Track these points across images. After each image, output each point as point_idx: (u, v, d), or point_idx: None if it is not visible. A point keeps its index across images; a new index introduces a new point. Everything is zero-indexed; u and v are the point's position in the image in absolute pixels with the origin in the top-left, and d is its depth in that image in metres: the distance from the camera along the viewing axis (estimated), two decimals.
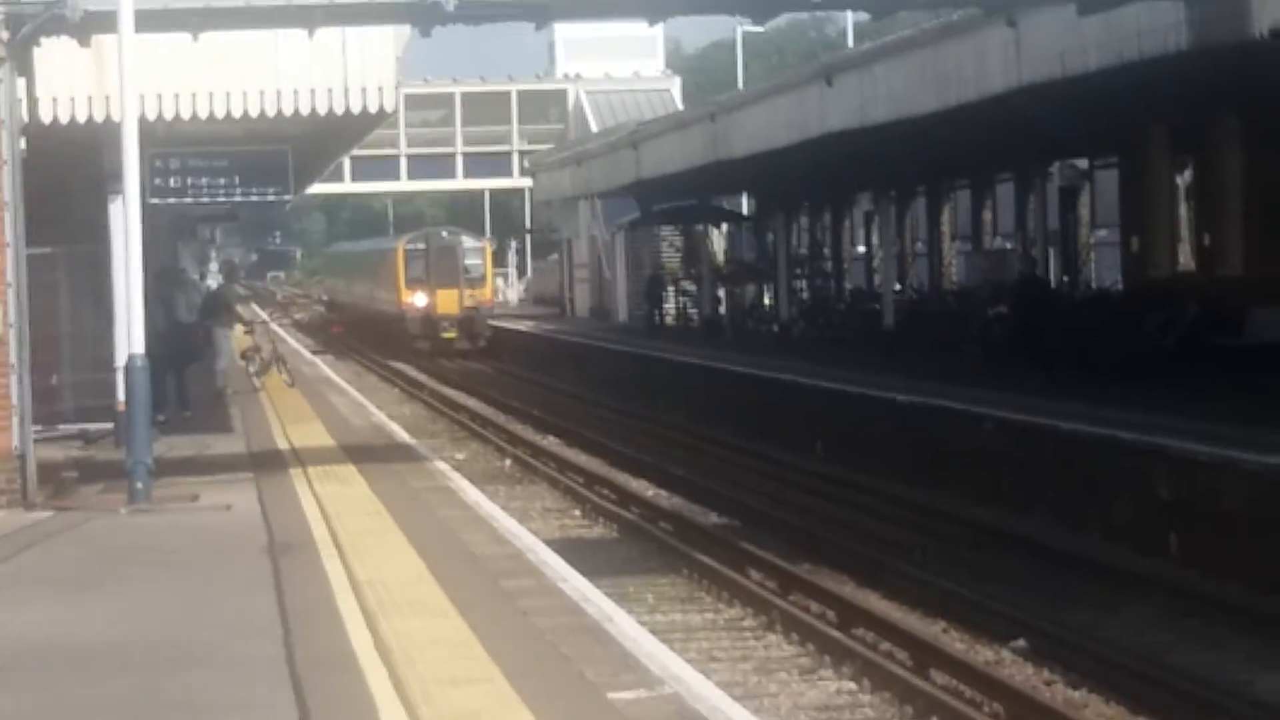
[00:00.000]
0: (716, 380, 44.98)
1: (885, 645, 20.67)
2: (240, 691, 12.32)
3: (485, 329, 69.96)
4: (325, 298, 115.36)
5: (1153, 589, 22.78)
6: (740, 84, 68.29)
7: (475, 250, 76.37)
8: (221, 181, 32.32)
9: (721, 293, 67.48)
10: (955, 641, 20.75)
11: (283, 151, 32.70)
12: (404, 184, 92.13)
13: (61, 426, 29.35)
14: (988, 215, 55.28)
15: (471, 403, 52.74)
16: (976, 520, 27.15)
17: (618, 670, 12.79)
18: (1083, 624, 21.25)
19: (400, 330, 72.54)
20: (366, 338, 79.93)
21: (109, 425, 28.32)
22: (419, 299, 71.49)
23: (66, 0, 22.20)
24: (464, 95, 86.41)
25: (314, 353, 75.63)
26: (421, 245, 74.82)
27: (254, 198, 36.80)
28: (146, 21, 22.34)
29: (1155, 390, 31.52)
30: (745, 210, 71.87)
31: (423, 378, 63.01)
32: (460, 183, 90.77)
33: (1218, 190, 38.07)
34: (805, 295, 65.67)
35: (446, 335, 67.75)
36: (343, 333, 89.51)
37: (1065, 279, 49.53)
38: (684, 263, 73.01)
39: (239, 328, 48.19)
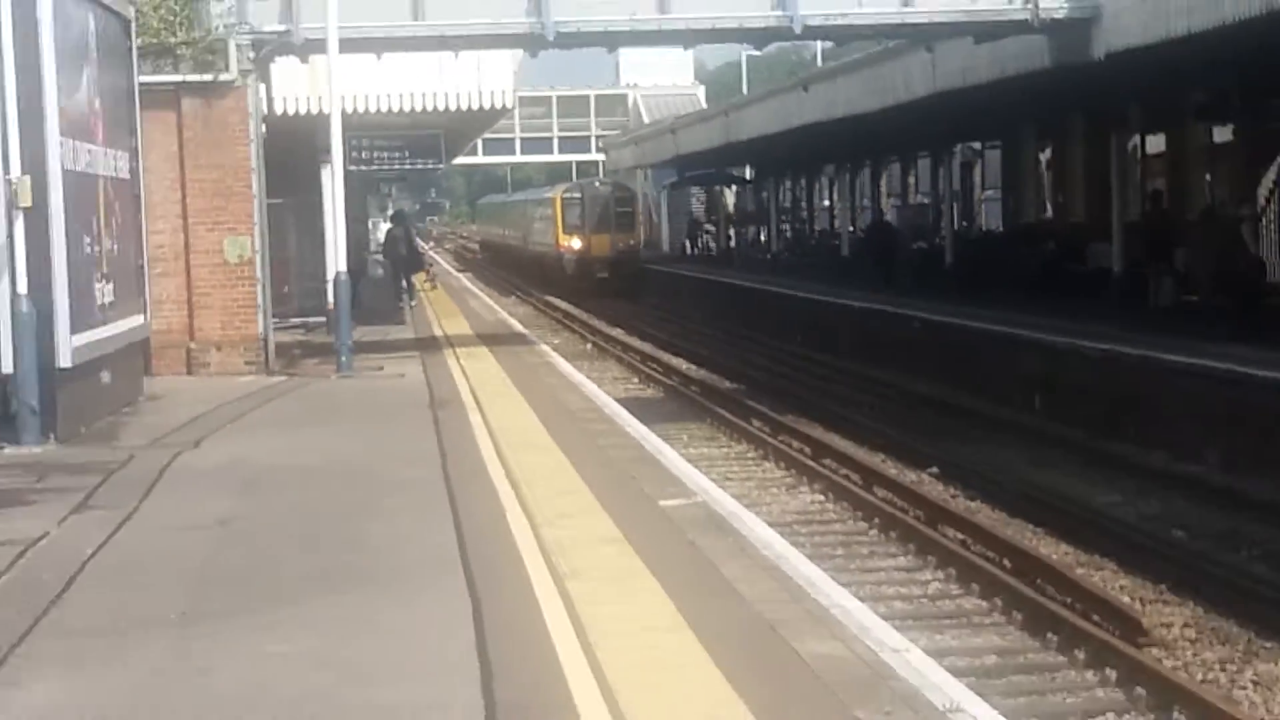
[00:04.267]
0: (726, 291, 49.26)
1: (843, 470, 20.51)
2: (412, 491, 12.81)
3: (637, 269, 57.93)
4: (479, 239, 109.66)
5: (1024, 434, 23.32)
6: (745, 90, 71.65)
7: (626, 199, 62.73)
8: (396, 154, 35.41)
9: (731, 232, 72.44)
10: (890, 468, 20.59)
11: (437, 134, 35.40)
12: (518, 158, 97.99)
13: (291, 320, 31.61)
14: (912, 180, 57.91)
15: (563, 305, 54.94)
16: (905, 387, 27.72)
17: (665, 486, 14.10)
18: (975, 457, 21.65)
19: (558, 270, 59.45)
20: (524, 280, 69.31)
21: (322, 319, 29.96)
22: (575, 243, 56.86)
23: (291, 30, 23.01)
24: (558, 97, 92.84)
25: (458, 271, 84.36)
26: (577, 195, 60.72)
27: (418, 165, 40.13)
28: (346, 46, 23.65)
29: (1027, 302, 30.38)
30: (748, 176, 73.71)
31: (530, 287, 66.14)
32: (556, 157, 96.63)
33: (1068, 164, 40.96)
34: (789, 234, 68.62)
35: (600, 275, 54.24)
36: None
37: (964, 223, 50.16)
38: (706, 212, 78.53)
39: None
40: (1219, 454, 18.62)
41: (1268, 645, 12.09)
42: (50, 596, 9.73)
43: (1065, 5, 23.55)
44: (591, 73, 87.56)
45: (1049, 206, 41.32)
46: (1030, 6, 23.40)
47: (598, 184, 68.28)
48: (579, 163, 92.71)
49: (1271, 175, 28.35)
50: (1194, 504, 17.85)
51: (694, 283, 54.63)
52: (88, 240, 17.61)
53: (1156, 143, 33.92)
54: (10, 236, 15.85)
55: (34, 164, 15.68)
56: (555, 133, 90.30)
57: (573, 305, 54.52)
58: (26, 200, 15.81)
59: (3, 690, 7.26)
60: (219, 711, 6.96)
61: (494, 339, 31.76)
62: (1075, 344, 23.69)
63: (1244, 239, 26.95)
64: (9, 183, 15.76)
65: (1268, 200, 28.39)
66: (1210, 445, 18.80)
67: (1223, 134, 31.09)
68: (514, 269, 78.07)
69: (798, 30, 24.25)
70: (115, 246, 18.96)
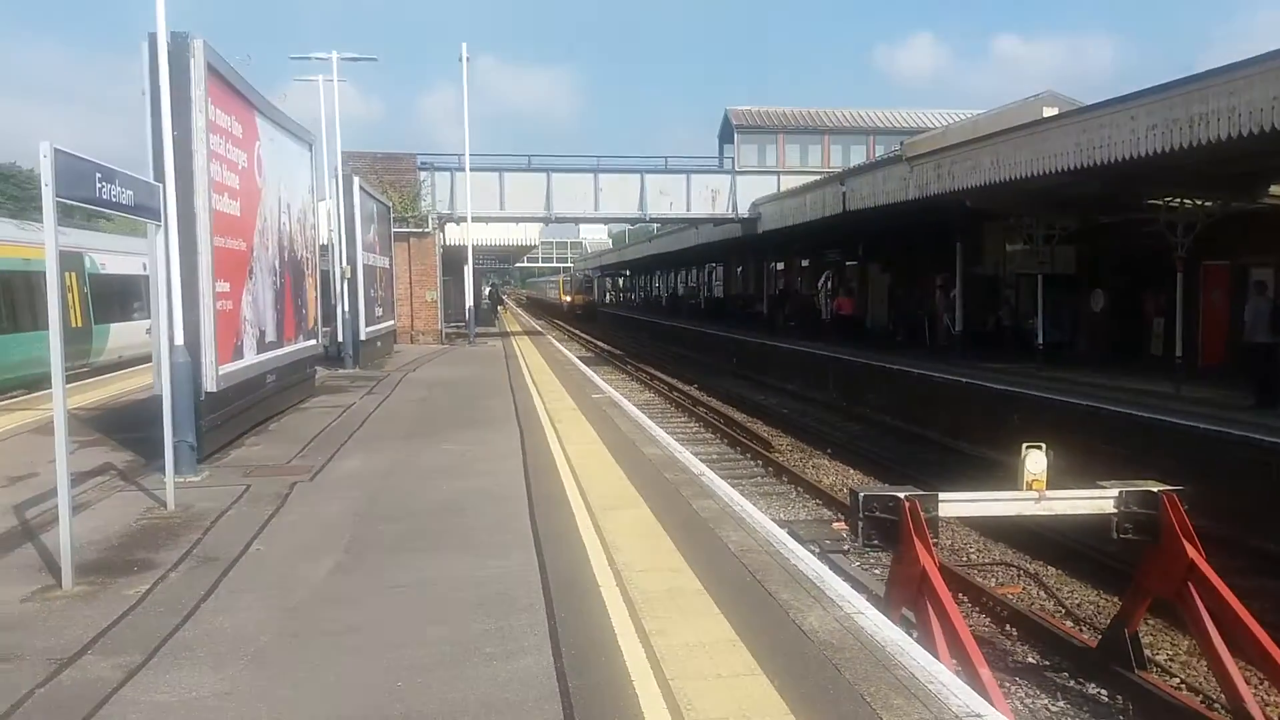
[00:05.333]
0: (618, 318, 62.21)
1: (662, 386, 29.50)
2: (498, 391, 18.95)
3: (593, 311, 76.37)
4: (525, 296, 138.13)
5: (731, 374, 33.42)
6: (627, 239, 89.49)
7: (589, 279, 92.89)
8: (492, 260, 60.58)
9: (621, 295, 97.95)
10: (681, 385, 30.51)
11: (508, 253, 54.38)
12: (539, 264, 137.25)
13: (452, 323, 38.61)
14: (688, 276, 73.70)
15: (560, 323, 62.35)
16: (690, 356, 35.97)
17: (591, 393, 18.17)
18: (712, 383, 30.73)
19: (561, 309, 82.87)
20: (544, 314, 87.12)
21: (463, 322, 37.11)
22: (567, 298, 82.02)
23: (453, 213, 34.31)
24: (555, 241, 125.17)
25: (519, 306, 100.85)
26: (567, 278, 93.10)
27: (500, 266, 59.75)
28: (475, 218, 34.01)
29: (736, 325, 45.03)
30: (628, 273, 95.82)
31: (547, 315, 76.96)
32: (554, 264, 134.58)
33: (747, 272, 54.85)
34: (640, 296, 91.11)
35: (578, 312, 74.44)
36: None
37: (707, 293, 65.63)
38: (614, 286, 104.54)
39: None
40: (800, 382, 27.52)
41: (815, 452, 19.30)
42: (355, 426, 14.08)
43: (748, 213, 35.93)
44: (570, 231, 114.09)
45: (740, 287, 56.17)
46: (734, 213, 35.85)
47: (576, 274, 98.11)
48: (563, 266, 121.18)
49: (823, 278, 42.02)
50: (793, 399, 26.69)
51: (609, 315, 76.10)
52: (373, 291, 25.13)
53: (779, 265, 48.03)
54: (341, 291, 23.12)
55: (351, 261, 23.27)
56: (554, 254, 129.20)
57: (563, 322, 69.93)
58: (349, 274, 23.16)
59: (340, 460, 11.29)
60: (421, 468, 10.84)
61: (531, 333, 44.30)
62: (747, 339, 36.53)
63: (817, 304, 41.07)
64: (344, 269, 23.14)
65: (821, 287, 41.85)
66: (797, 378, 26.87)
67: (804, 262, 44.67)
68: (540, 309, 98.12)
69: (646, 218, 36.80)
70: (382, 293, 27.24)
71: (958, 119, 32.21)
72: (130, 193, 7.54)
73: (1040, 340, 23.01)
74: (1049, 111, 22.11)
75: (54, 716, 4.61)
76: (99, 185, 7.01)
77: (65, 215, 6.15)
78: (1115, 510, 8.11)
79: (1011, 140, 18.99)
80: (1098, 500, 8.18)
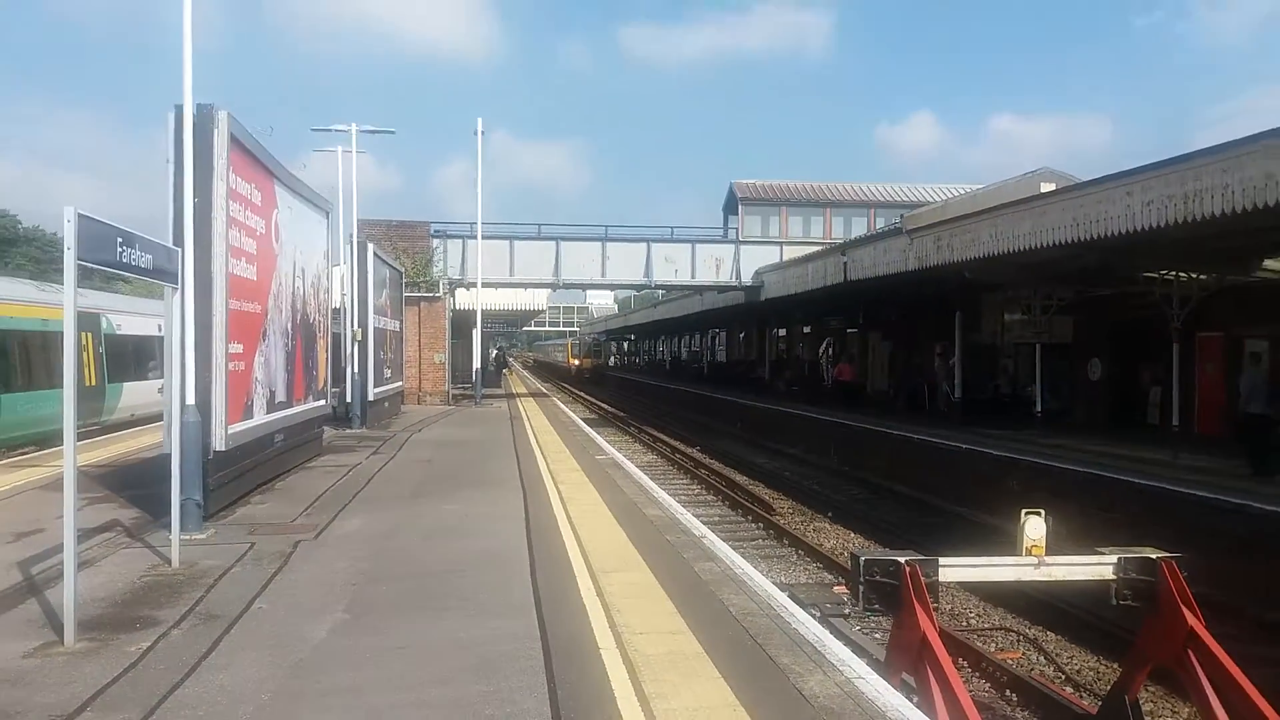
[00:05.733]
0: (623, 381, 60.18)
1: (664, 448, 29.34)
2: (502, 452, 18.82)
3: (601, 373, 77.61)
4: (533, 359, 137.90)
5: (735, 437, 33.60)
6: (632, 304, 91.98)
7: (596, 343, 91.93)
8: (500, 325, 54.24)
9: (625, 359, 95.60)
10: (682, 446, 30.86)
11: (515, 317, 52.88)
12: (546, 329, 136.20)
13: (459, 385, 38.53)
14: (695, 341, 73.60)
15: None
16: (691, 419, 34.72)
17: (595, 454, 17.95)
18: (715, 444, 30.88)
19: (566, 372, 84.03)
20: (550, 376, 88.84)
21: (469, 384, 37.44)
22: (575, 361, 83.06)
23: (463, 278, 34.75)
24: (563, 306, 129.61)
25: (523, 369, 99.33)
26: (575, 340, 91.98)
27: (508, 329, 59.06)
28: (485, 284, 34.23)
29: (733, 387, 46.34)
30: (632, 337, 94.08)
31: (553, 379, 76.28)
32: (560, 329, 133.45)
33: (751, 338, 55.09)
34: (646, 359, 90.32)
35: (584, 374, 75.94)
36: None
37: (713, 357, 66.52)
38: (618, 350, 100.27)
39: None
40: (803, 446, 27.56)
41: (816, 515, 19.12)
42: (360, 486, 13.97)
43: (751, 281, 36.21)
44: (577, 296, 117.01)
45: (742, 352, 57.10)
46: (738, 280, 36.10)
47: (585, 337, 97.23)
48: (569, 330, 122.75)
49: (824, 345, 42.51)
50: (794, 463, 26.56)
51: (614, 378, 74.45)
52: (382, 353, 25.10)
53: (781, 331, 49.44)
54: (351, 353, 23.32)
55: (362, 324, 23.38)
56: (561, 319, 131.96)
57: (569, 385, 71.08)
58: (359, 338, 23.29)
59: (344, 519, 11.19)
60: (424, 528, 10.75)
61: (536, 394, 44.64)
62: (750, 403, 36.55)
63: (821, 369, 41.83)
64: (355, 331, 23.30)
65: (822, 354, 42.34)
66: (800, 442, 27.52)
67: (806, 328, 45.60)
68: (547, 372, 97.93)
69: (652, 284, 37.24)
70: (392, 356, 27.28)
71: (957, 193, 32.60)
72: (149, 256, 7.61)
73: (1038, 408, 22.95)
74: (1046, 187, 22.34)
75: None
76: (119, 249, 7.07)
77: (84, 277, 6.20)
78: (1114, 577, 8.01)
79: (1010, 214, 19.16)
80: (1097, 566, 8.09)
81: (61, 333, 6.47)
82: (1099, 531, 13.29)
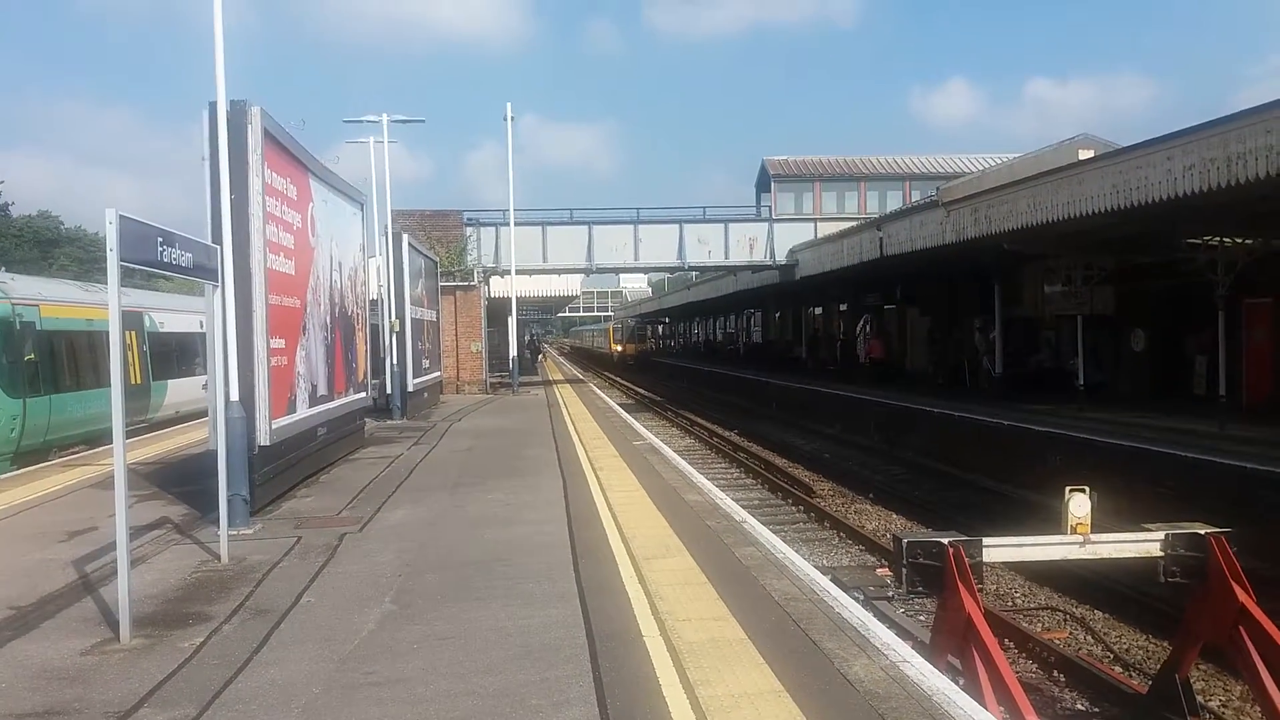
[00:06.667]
0: (658, 365, 57.80)
1: (702, 432, 28.97)
2: (540, 439, 19.14)
3: (645, 359, 74.65)
4: (569, 345, 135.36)
5: (772, 419, 33.45)
6: (665, 288, 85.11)
7: (640, 326, 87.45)
8: (535, 312, 53.01)
9: (661, 341, 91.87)
10: (720, 430, 30.89)
11: (549, 303, 52.84)
12: (580, 314, 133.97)
13: (495, 373, 38.31)
14: (727, 323, 74.68)
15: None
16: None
17: (632, 439, 18.90)
18: (753, 426, 30.97)
19: (607, 359, 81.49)
20: (589, 363, 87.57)
21: (506, 372, 37.29)
22: (618, 346, 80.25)
23: (497, 266, 34.93)
24: (596, 290, 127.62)
25: (559, 355, 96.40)
26: (618, 325, 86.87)
27: (543, 316, 57.57)
28: (519, 271, 34.22)
29: (774, 369, 45.95)
30: (666, 320, 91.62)
31: (618, 379, 63.87)
32: (595, 314, 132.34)
33: (785, 318, 54.71)
34: (678, 342, 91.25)
35: (628, 361, 73.90)
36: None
37: (747, 338, 66.24)
38: (654, 333, 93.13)
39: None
40: (841, 425, 27.60)
41: (857, 497, 19.11)
42: (402, 477, 14.12)
43: (786, 259, 36.05)
44: (610, 281, 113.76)
45: (778, 332, 56.38)
46: (772, 259, 35.85)
47: (628, 320, 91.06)
48: (603, 315, 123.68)
49: (861, 322, 42.30)
50: (833, 443, 26.54)
51: (657, 364, 71.17)
52: (420, 344, 25.25)
53: (817, 310, 49.21)
54: (390, 344, 23.38)
55: (399, 315, 23.38)
56: (595, 303, 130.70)
57: (607, 371, 70.80)
58: (397, 329, 23.29)
59: (388, 511, 11.30)
60: (467, 518, 10.84)
61: (572, 381, 44.54)
62: (787, 384, 36.22)
63: (854, 347, 42.53)
64: (393, 323, 23.27)
65: (860, 331, 42.14)
66: (837, 422, 27.39)
67: (842, 306, 45.18)
68: (585, 358, 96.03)
69: (685, 266, 37.47)
70: (429, 346, 27.44)
71: (993, 163, 32.14)
72: (189, 255, 7.72)
73: (1081, 381, 22.66)
74: (1085, 154, 21.98)
75: None
76: (160, 249, 7.18)
77: (126, 276, 6.30)
78: (1162, 553, 7.93)
79: (1048, 183, 18.90)
80: (1144, 543, 8.01)
81: (106, 332, 6.58)
82: (1145, 507, 13.13)
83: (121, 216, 6.38)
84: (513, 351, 36.02)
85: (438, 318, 30.70)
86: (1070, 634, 10.84)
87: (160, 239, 7.21)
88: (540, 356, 69.16)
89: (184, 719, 5.24)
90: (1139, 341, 24.61)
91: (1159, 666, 8.77)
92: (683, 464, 15.08)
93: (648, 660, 5.90)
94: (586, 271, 38.33)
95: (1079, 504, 7.98)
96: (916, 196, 36.30)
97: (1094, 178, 17.32)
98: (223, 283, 9.87)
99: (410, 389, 24.04)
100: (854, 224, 33.03)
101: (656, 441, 18.26)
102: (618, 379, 60.64)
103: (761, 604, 7.14)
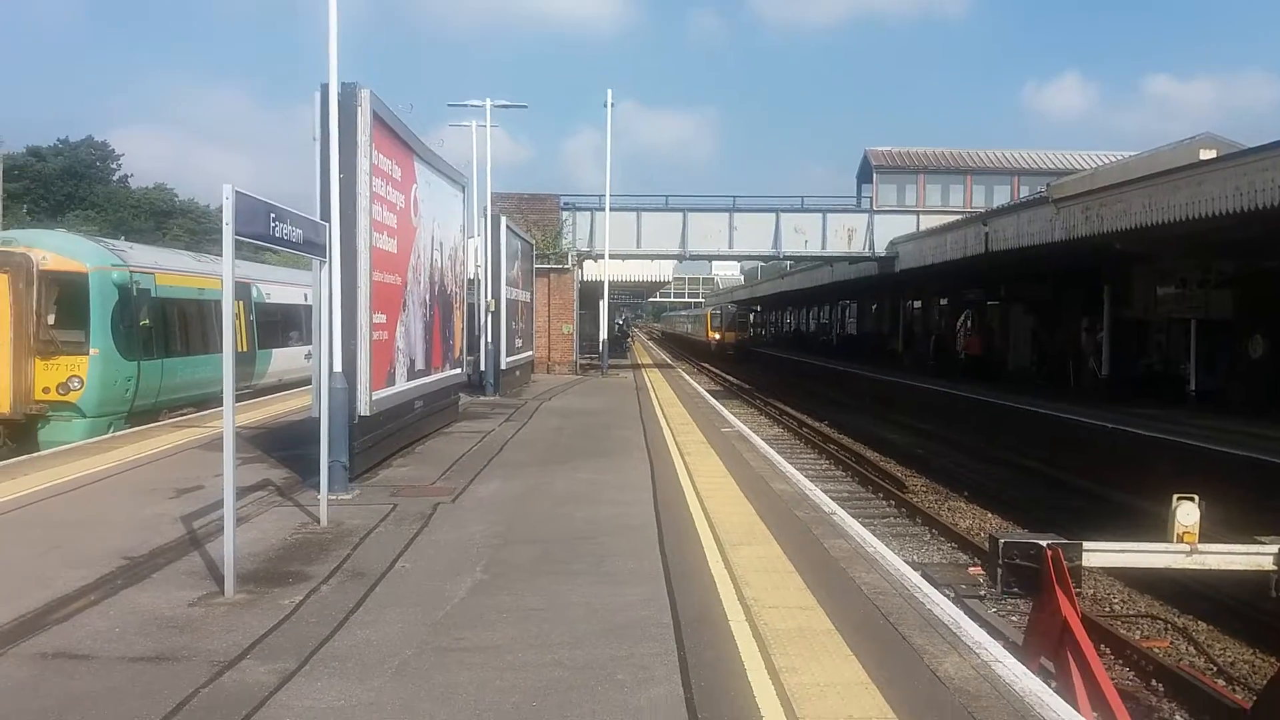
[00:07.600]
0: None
1: (791, 421, 29.22)
2: (628, 420, 19.39)
3: (743, 348, 70.05)
4: (660, 331, 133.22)
5: (863, 410, 32.77)
6: (759, 276, 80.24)
7: (743, 314, 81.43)
8: (628, 296, 53.93)
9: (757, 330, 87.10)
10: (810, 420, 30.52)
11: (643, 288, 54.06)
12: (671, 299, 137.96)
13: (582, 358, 37.47)
14: (823, 313, 71.64)
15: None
16: (815, 390, 33.99)
17: (721, 427, 18.62)
18: (844, 419, 30.23)
19: (703, 348, 76.12)
20: (681, 351, 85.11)
21: (596, 354, 37.47)
22: (715, 334, 75.14)
23: (591, 250, 35.13)
24: (688, 277, 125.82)
25: (649, 341, 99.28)
26: (717, 311, 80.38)
27: (636, 300, 58.81)
28: (613, 256, 34.44)
29: (868, 361, 45.52)
30: (758, 308, 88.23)
31: (707, 365, 61.90)
32: (685, 299, 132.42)
33: (885, 310, 52.08)
34: (775, 330, 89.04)
35: (727, 351, 70.09)
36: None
37: (841, 330, 64.33)
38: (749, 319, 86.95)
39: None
40: (938, 422, 26.94)
41: (951, 494, 18.74)
42: (494, 452, 14.42)
43: (885, 251, 35.49)
44: (702, 267, 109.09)
45: (874, 324, 54.39)
46: (871, 251, 35.37)
47: (728, 306, 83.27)
48: (694, 301, 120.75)
49: (963, 317, 40.25)
50: (927, 439, 25.89)
51: (750, 353, 68.38)
52: (514, 323, 25.63)
53: (916, 304, 46.94)
54: (485, 323, 23.75)
55: (495, 295, 23.80)
56: (686, 290, 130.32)
57: (698, 359, 68.34)
58: (493, 308, 23.69)
59: (479, 484, 11.54)
60: (556, 494, 11.08)
61: (661, 365, 45.20)
62: (880, 376, 36.08)
63: (955, 342, 40.26)
64: (489, 302, 23.71)
65: (961, 327, 40.06)
66: (933, 418, 26.97)
67: (943, 300, 43.03)
68: (676, 345, 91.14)
69: (780, 255, 37.17)
70: (522, 326, 27.79)
71: (1106, 160, 31.12)
72: (299, 231, 7.98)
73: (1192, 386, 21.81)
74: (1207, 154, 21.06)
75: (214, 716, 4.84)
76: (272, 224, 7.44)
77: (235, 248, 6.55)
78: (1275, 568, 7.62)
79: (1165, 183, 18.21)
80: (1255, 556, 7.71)
81: (216, 300, 6.85)
82: (1259, 520, 12.59)
83: (237, 192, 6.63)
84: (603, 334, 36.39)
85: (531, 299, 31.12)
86: (1171, 643, 10.50)
87: (272, 215, 7.47)
88: (629, 340, 69.08)
89: (284, 671, 5.45)
90: (1257, 348, 23.56)
91: (1265, 682, 8.42)
92: (771, 453, 15.01)
93: (733, 644, 5.92)
94: (680, 258, 38.38)
95: (1187, 512, 7.72)
96: (1025, 192, 35.33)
97: (1215, 179, 16.64)
98: (330, 259, 10.17)
99: (503, 367, 24.45)
100: (958, 218, 32.32)
101: (745, 429, 18.21)
102: (707, 366, 60.22)
103: (850, 596, 7.09)
